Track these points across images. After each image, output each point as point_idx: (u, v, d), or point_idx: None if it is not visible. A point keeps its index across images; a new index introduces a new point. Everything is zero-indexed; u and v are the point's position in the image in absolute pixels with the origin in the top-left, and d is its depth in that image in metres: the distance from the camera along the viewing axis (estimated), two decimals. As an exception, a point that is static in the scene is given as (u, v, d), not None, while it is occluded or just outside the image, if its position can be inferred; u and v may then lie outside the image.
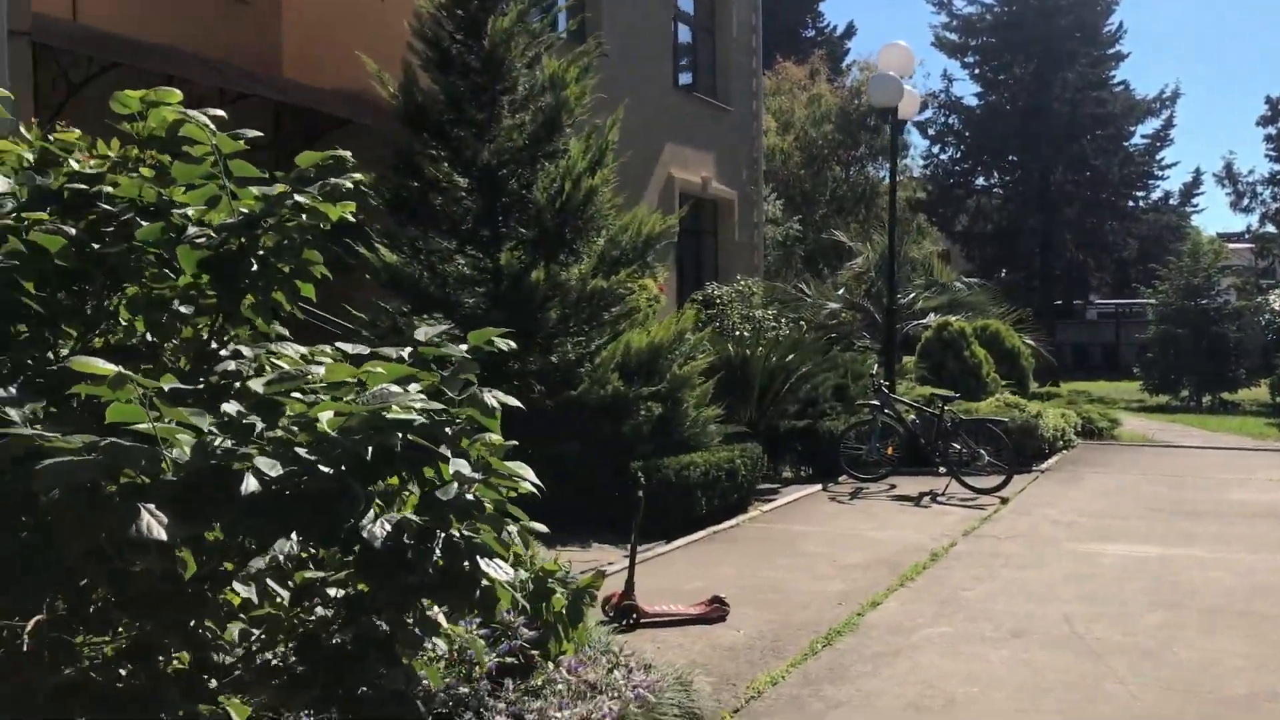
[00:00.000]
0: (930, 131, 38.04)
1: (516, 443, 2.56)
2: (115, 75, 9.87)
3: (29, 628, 2.58)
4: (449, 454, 2.35)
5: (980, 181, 38.23)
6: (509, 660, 4.26)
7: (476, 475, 2.35)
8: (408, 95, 9.73)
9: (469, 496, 2.39)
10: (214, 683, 2.82)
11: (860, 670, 5.50)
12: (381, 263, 9.36)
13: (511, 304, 9.14)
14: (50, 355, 2.74)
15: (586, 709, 4.12)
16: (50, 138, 2.91)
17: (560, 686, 4.26)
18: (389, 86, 9.83)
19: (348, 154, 2.79)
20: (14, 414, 2.11)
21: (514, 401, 2.59)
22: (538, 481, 2.47)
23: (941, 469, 11.80)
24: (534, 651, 4.35)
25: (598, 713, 4.09)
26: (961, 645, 5.92)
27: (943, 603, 6.84)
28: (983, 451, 11.44)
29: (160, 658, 2.57)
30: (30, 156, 2.83)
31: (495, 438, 2.49)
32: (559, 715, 4.02)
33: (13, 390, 2.19)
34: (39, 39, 9.01)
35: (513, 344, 2.79)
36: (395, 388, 2.33)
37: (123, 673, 2.67)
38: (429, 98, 9.76)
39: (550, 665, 4.36)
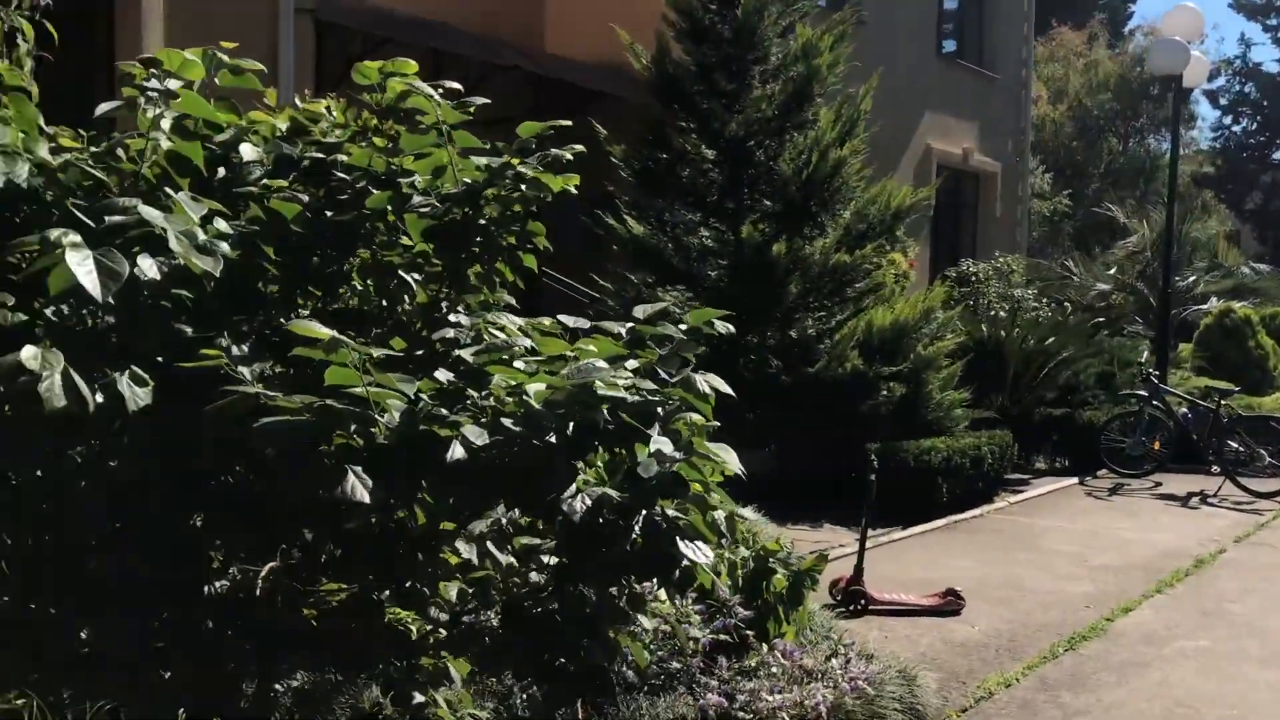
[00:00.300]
0: (1222, 101, 35.04)
1: (719, 424, 2.49)
2: (389, 50, 10.41)
3: (263, 573, 2.74)
4: (654, 433, 2.31)
5: (1278, 156, 34.92)
6: (723, 638, 4.22)
7: (678, 454, 2.30)
8: (659, 66, 9.77)
9: (676, 475, 2.35)
10: (442, 635, 2.92)
11: (1104, 679, 5.13)
12: (628, 234, 9.48)
13: (752, 277, 9.06)
14: (293, 316, 2.89)
15: (800, 695, 4.02)
16: (300, 107, 3.05)
17: (775, 670, 4.17)
18: (641, 58, 9.90)
19: (566, 124, 2.78)
20: (245, 372, 2.23)
21: (726, 388, 2.52)
22: (741, 466, 2.40)
23: (1214, 468, 10.86)
24: (749, 631, 4.29)
25: (811, 700, 3.98)
26: (1222, 663, 5.42)
27: (1204, 614, 6.29)
28: (1263, 451, 10.46)
29: (375, 614, 2.67)
30: (283, 127, 2.97)
31: (697, 417, 2.43)
32: (771, 699, 3.93)
33: (245, 349, 2.31)
34: (322, 16, 9.63)
35: (731, 327, 2.71)
36: (602, 363, 2.31)
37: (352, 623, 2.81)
38: (680, 69, 9.77)
39: (765, 647, 4.28)
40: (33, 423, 2.16)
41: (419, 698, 2.77)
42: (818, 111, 9.66)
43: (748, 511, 2.85)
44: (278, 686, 2.91)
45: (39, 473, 2.47)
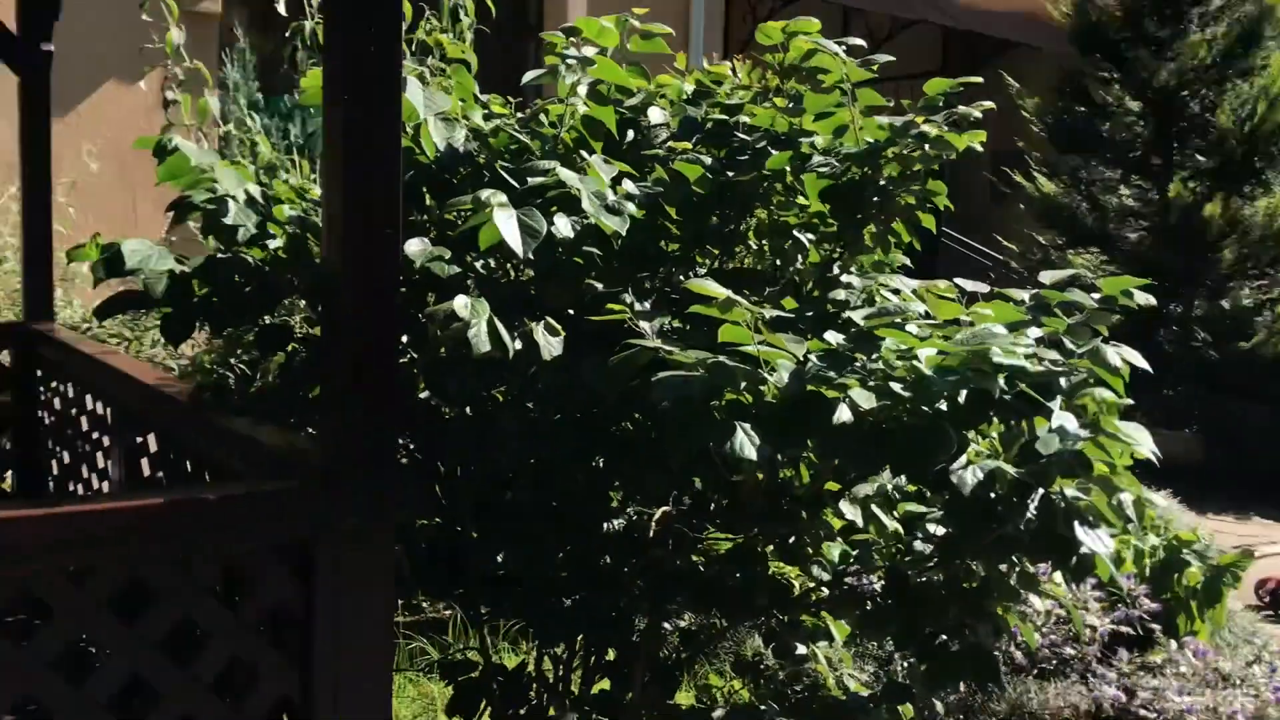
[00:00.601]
0: None
1: (1132, 401, 2.29)
2: (796, 9, 10.44)
3: (656, 516, 2.89)
4: (1056, 407, 2.17)
5: None
6: (1124, 630, 3.94)
7: (1082, 432, 2.15)
8: (1080, 14, 9.15)
9: (1079, 454, 2.20)
10: (823, 594, 2.95)
11: None
12: (1038, 192, 8.99)
13: (1178, 240, 8.30)
14: (692, 274, 3.00)
15: (1213, 699, 3.67)
16: (705, 70, 3.13)
17: (1184, 669, 3.85)
18: (1060, 5, 9.31)
19: (977, 80, 2.66)
20: (645, 327, 2.33)
21: (1141, 362, 2.32)
22: (1154, 448, 2.20)
23: None
24: (1155, 626, 3.97)
25: (1227, 707, 3.63)
26: None
27: None
28: None
29: (758, 566, 2.73)
30: (689, 90, 3.07)
31: (1107, 393, 2.26)
32: (1178, 700, 3.63)
33: (647, 305, 2.42)
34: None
35: (1151, 299, 2.48)
36: (1000, 329, 2.20)
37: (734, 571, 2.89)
38: (1104, 14, 9.08)
39: (1174, 644, 3.95)
40: (462, 365, 2.40)
41: (800, 649, 2.82)
42: (1268, 56, 8.63)
43: (1159, 497, 2.62)
44: (666, 625, 3.06)
45: (466, 409, 2.74)
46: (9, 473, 4.42)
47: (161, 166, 2.73)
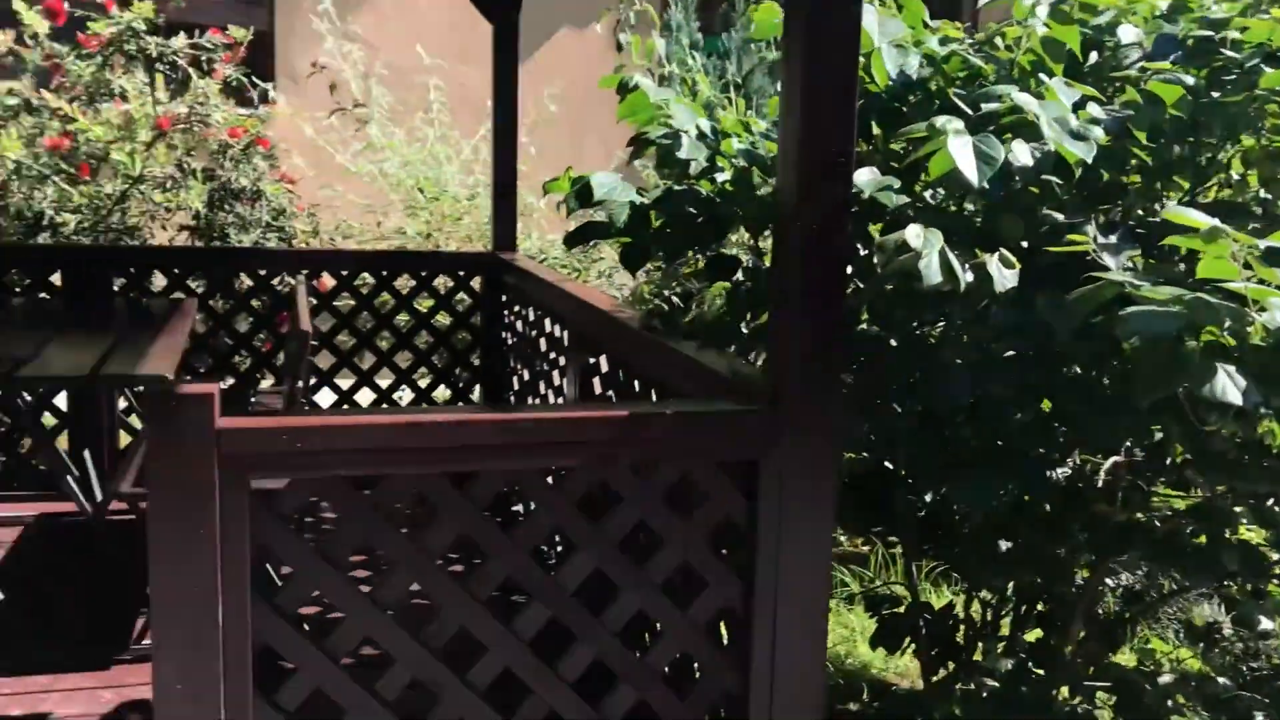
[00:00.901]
0: None
1: None
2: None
3: (1105, 466, 2.71)
4: None
5: None
6: None
7: None
8: None
9: None
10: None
11: None
12: None
13: None
14: (1156, 206, 2.76)
15: None
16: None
17: None
18: None
19: None
20: (1109, 260, 2.18)
21: None
22: None
23: None
24: None
25: None
26: None
27: None
28: None
29: (1225, 526, 2.49)
30: (1163, 5, 2.81)
31: None
32: None
33: (1112, 239, 2.25)
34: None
35: None
36: None
37: (1190, 530, 2.67)
38: None
39: None
40: (909, 296, 2.36)
41: (1266, 624, 2.56)
42: None
43: None
44: (1108, 581, 2.89)
45: (894, 342, 2.70)
46: (477, 386, 4.95)
47: (622, 104, 2.90)
